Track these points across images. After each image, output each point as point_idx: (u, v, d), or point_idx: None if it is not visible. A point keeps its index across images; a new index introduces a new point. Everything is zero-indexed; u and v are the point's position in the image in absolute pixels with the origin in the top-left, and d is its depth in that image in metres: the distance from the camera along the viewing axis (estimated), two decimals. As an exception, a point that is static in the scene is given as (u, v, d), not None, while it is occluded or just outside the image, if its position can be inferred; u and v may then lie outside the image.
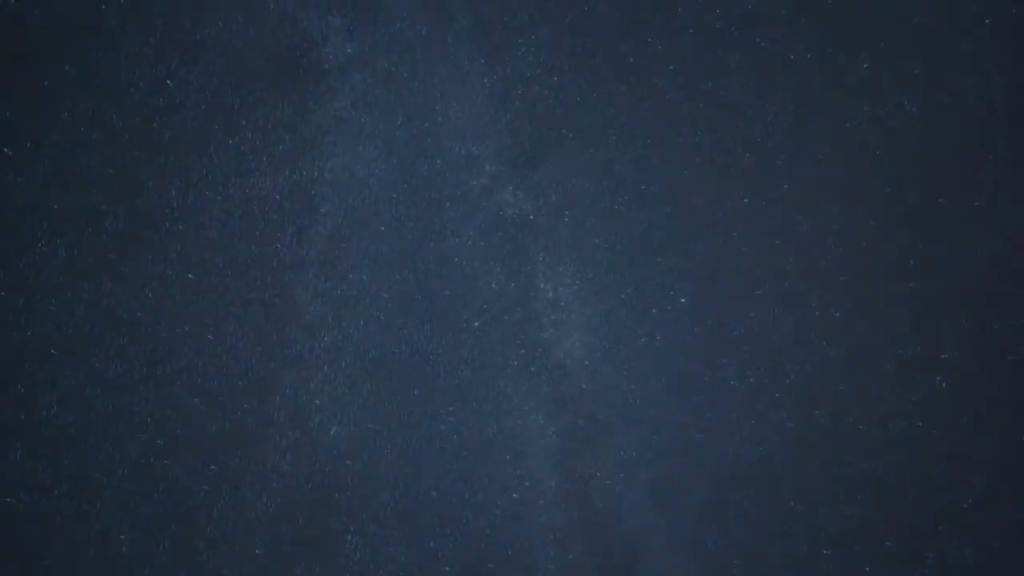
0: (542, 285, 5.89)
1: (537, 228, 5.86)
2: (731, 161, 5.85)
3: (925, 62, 5.64)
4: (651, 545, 6.20)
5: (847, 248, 5.85)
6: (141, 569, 5.17)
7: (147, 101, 5.16)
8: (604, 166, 5.84)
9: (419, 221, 5.72)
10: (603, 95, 5.77)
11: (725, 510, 6.25)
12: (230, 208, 5.33)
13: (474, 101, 5.73)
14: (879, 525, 6.01)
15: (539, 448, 6.03)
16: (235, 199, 5.36)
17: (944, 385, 5.81)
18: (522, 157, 5.81)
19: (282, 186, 5.30)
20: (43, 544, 5.04)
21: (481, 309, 5.87)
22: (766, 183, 5.85)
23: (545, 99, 5.75)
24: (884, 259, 5.80)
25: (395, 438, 5.74)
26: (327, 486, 5.66)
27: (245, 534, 5.44)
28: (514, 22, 5.67)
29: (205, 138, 5.26)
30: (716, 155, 5.85)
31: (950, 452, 5.91)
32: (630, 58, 5.74)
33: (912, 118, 5.69)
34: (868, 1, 5.67)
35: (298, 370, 5.60)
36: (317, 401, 5.65)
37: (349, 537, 5.71)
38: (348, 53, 5.49)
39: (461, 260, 5.81)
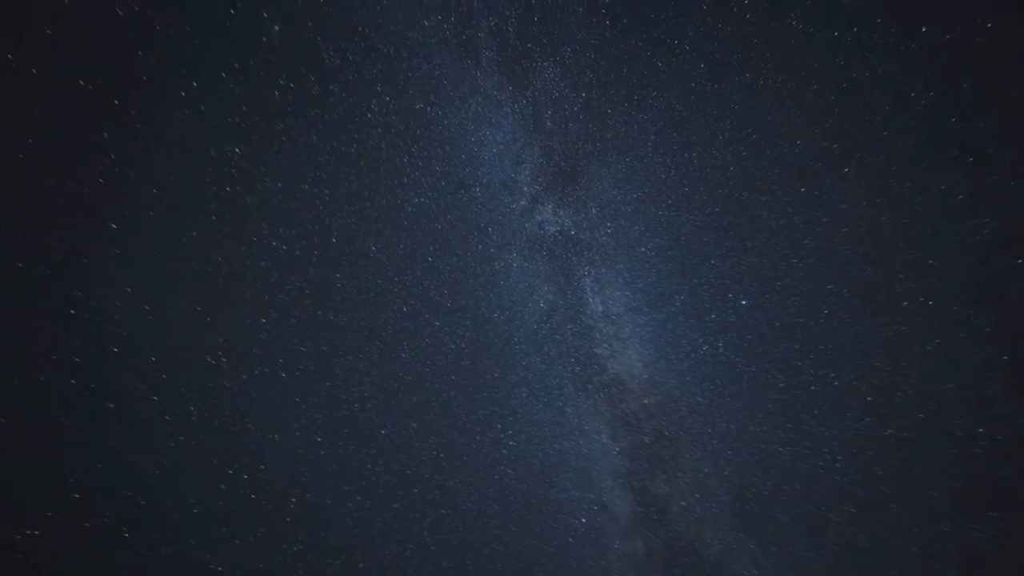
0: (591, 300, 5.79)
1: (580, 243, 5.80)
2: (781, 151, 5.49)
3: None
4: (741, 571, 5.69)
5: (929, 229, 5.22)
6: None
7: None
8: (643, 173, 5.71)
9: (464, 249, 5.87)
10: (634, 104, 5.69)
11: (824, 531, 5.62)
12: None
13: (506, 127, 5.88)
14: (1008, 547, 5.11)
15: (605, 469, 5.80)
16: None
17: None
18: (558, 175, 5.84)
19: (330, 228, 5.67)
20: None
21: (532, 330, 5.85)
22: (823, 169, 5.42)
23: (575, 116, 5.78)
24: (970, 242, 5.11)
25: (456, 466, 5.78)
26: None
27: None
28: (537, 47, 5.79)
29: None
30: (764, 146, 5.53)
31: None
32: (658, 63, 5.64)
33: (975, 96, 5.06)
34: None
35: (360, 401, 5.86)
36: (382, 431, 5.84)
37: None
38: (385, 99, 5.87)
39: (508, 282, 5.87)
